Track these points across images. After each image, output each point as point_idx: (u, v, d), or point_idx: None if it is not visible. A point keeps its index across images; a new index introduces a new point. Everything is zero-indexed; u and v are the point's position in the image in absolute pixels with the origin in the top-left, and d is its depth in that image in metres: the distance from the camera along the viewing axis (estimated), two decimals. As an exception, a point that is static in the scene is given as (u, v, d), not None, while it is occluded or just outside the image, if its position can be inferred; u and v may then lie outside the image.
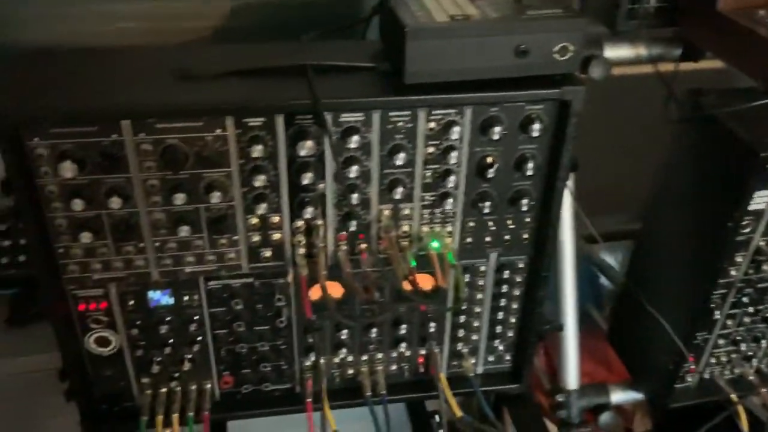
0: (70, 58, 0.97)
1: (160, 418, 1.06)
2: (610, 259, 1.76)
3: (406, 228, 1.01)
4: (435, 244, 0.99)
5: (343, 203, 0.97)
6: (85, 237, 0.92)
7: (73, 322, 1.02)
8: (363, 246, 1.01)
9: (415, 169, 0.96)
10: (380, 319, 1.07)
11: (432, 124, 0.92)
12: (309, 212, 0.96)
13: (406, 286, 0.94)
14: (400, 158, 0.93)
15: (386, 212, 0.99)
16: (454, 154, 0.94)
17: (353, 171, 0.93)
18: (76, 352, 1.03)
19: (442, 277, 0.94)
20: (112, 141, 0.87)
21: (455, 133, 0.92)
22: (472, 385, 1.14)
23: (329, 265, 1.01)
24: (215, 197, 0.92)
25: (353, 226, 0.98)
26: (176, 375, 1.09)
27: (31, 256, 0.94)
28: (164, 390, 1.09)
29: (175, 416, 1.07)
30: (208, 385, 1.11)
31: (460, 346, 1.14)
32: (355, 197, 0.95)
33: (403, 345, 1.12)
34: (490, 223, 1.02)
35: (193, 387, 1.10)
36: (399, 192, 0.95)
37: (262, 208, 0.94)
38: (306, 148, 0.90)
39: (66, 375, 1.04)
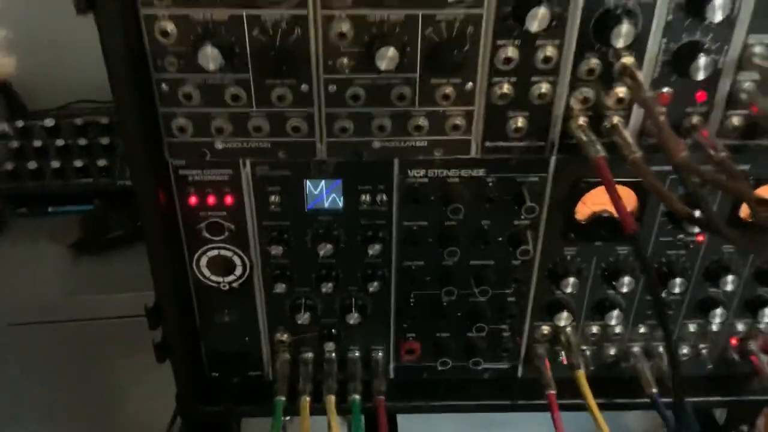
0: None
1: (305, 400, 0.63)
2: None
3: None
4: None
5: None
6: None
7: (178, 227, 0.60)
8: None
9: None
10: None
11: None
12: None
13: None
14: None
15: None
16: None
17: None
18: (176, 281, 0.62)
19: None
20: None
21: None
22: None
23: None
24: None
25: None
26: (333, 333, 0.66)
27: (115, 98, 0.52)
28: (311, 355, 0.66)
29: (330, 399, 0.64)
30: (380, 354, 0.67)
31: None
32: None
33: (719, 311, 0.65)
34: None
35: (356, 354, 0.67)
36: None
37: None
38: None
39: (158, 317, 0.62)
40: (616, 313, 0.64)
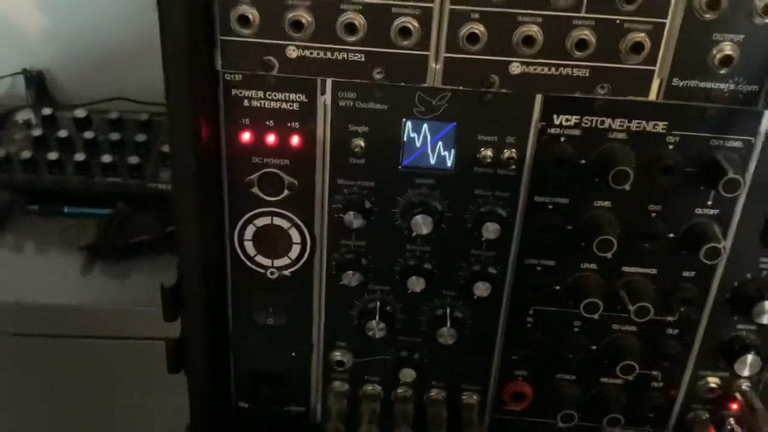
0: None
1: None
2: None
3: None
4: None
5: None
6: None
7: (220, 177, 0.43)
8: None
9: None
10: None
11: None
12: None
13: None
14: None
15: None
16: None
17: None
18: (208, 257, 0.44)
19: None
20: None
21: None
22: None
23: None
24: None
25: None
26: (414, 358, 0.47)
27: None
28: (378, 389, 0.47)
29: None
30: (475, 396, 0.48)
31: None
32: None
33: None
34: None
35: (442, 393, 0.48)
36: None
37: None
38: None
39: (178, 303, 0.44)
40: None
